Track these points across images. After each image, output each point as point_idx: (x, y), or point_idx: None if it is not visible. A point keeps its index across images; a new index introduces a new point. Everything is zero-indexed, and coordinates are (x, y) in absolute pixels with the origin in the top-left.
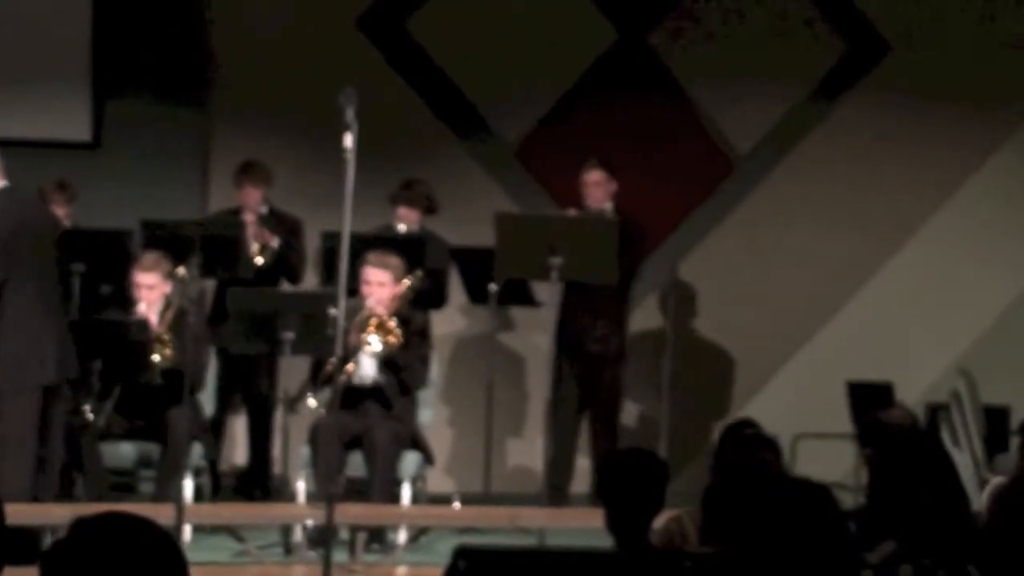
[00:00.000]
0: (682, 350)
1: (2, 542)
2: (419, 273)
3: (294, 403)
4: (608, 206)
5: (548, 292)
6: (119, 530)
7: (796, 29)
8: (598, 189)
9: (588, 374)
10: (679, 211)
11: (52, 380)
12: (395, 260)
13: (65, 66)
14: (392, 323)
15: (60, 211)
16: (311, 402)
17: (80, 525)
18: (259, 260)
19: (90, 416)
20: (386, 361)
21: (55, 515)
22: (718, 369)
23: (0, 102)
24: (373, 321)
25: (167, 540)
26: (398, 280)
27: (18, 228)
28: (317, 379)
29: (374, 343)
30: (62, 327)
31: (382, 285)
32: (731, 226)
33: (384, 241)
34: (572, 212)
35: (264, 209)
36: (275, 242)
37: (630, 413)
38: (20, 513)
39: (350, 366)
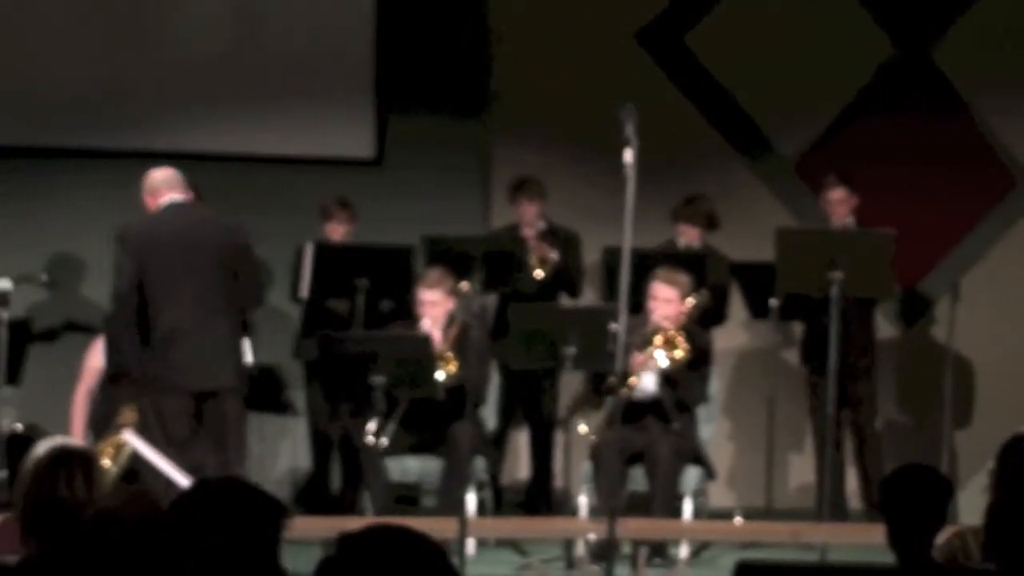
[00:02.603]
0: (962, 365)
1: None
2: (705, 292)
3: (565, 423)
4: (850, 221)
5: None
6: (388, 544)
7: None
8: (841, 206)
9: (843, 387)
10: (961, 226)
11: (202, 388)
12: (684, 278)
13: (349, 83)
14: (680, 338)
15: (342, 228)
16: (581, 428)
17: (347, 541)
18: (539, 274)
19: (371, 439)
20: (666, 377)
21: (338, 529)
22: (999, 385)
23: (285, 120)
24: (659, 336)
25: (438, 552)
26: (685, 297)
27: (172, 241)
28: (599, 391)
29: (660, 359)
30: (221, 337)
31: (669, 302)
32: (1014, 240)
33: (665, 257)
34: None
35: (542, 224)
36: (554, 255)
37: (903, 427)
38: (304, 526)
39: (632, 380)
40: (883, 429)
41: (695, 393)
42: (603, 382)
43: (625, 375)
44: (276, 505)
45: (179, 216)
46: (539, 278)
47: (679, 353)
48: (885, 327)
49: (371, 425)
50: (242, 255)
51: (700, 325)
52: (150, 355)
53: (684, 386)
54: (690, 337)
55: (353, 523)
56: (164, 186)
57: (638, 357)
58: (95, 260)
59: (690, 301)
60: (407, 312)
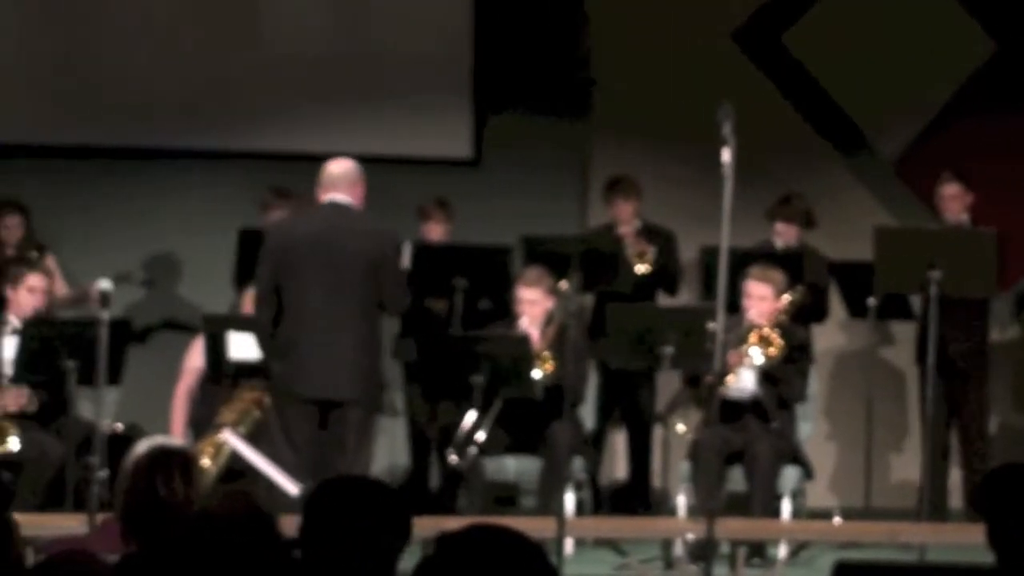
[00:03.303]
0: None
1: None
2: (801, 288)
3: (664, 420)
4: (964, 218)
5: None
6: (487, 543)
7: None
8: (955, 202)
9: (952, 388)
10: None
11: (320, 397)
12: (777, 275)
13: (446, 84)
14: (774, 335)
15: (440, 228)
16: (679, 427)
17: (446, 540)
18: (639, 268)
19: (453, 459)
20: (765, 374)
21: (437, 528)
22: None
23: (383, 120)
24: (754, 334)
25: (536, 552)
26: (779, 294)
27: (310, 245)
28: (696, 391)
29: (755, 356)
30: (348, 348)
31: (763, 299)
32: None
33: (763, 256)
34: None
35: (637, 223)
36: (651, 252)
37: (1007, 427)
38: None
39: (730, 378)
40: (997, 432)
41: (795, 390)
42: (700, 381)
43: (723, 374)
44: (407, 509)
45: (327, 218)
46: (640, 272)
47: (774, 350)
48: (997, 328)
49: (452, 456)
50: (387, 264)
51: (800, 322)
52: (277, 359)
53: (784, 382)
54: (786, 334)
55: (452, 523)
56: (330, 183)
57: (733, 355)
58: (193, 260)
59: (786, 298)
60: (505, 312)
